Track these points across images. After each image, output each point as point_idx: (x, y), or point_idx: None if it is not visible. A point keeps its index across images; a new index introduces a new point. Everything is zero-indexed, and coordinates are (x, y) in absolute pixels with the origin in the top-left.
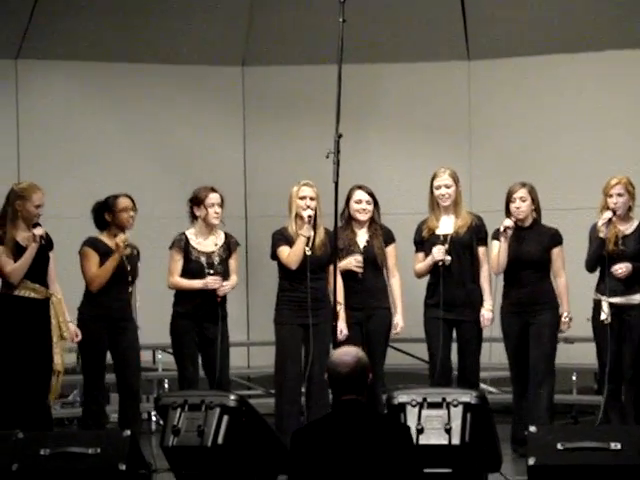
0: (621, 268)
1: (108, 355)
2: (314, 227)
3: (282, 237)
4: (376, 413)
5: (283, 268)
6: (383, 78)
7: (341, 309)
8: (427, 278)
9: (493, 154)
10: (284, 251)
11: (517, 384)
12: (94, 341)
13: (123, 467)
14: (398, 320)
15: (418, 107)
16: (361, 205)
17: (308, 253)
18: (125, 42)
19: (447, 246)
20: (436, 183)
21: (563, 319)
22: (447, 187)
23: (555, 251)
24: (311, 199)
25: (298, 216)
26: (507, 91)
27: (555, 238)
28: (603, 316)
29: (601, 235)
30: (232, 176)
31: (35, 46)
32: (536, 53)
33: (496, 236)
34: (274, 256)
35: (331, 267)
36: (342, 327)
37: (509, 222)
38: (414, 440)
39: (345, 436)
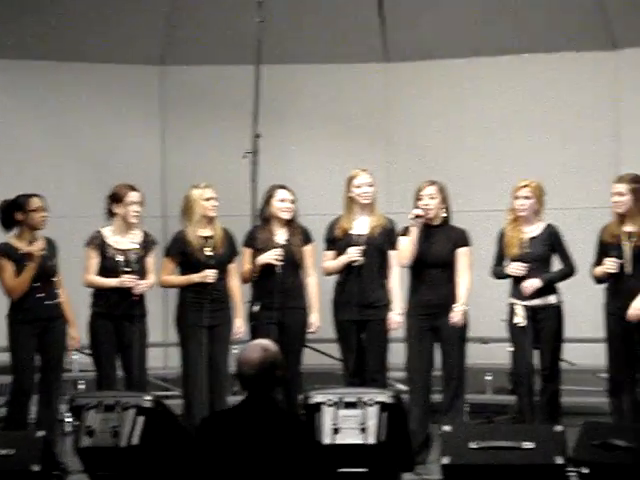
0: (527, 287)
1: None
2: (213, 227)
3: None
4: (281, 410)
5: (184, 268)
6: (302, 79)
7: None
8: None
9: (410, 156)
10: (168, 268)
11: (415, 383)
12: (23, 346)
13: (37, 468)
14: (314, 319)
15: (336, 108)
16: (285, 204)
17: (209, 253)
18: (43, 40)
19: (363, 247)
20: (357, 182)
21: (455, 310)
22: (369, 186)
23: (461, 251)
24: (215, 199)
25: (205, 217)
26: (424, 93)
27: (463, 239)
28: (517, 319)
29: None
30: (149, 175)
31: None
32: (453, 56)
33: (404, 232)
34: (168, 254)
35: (231, 266)
36: (240, 324)
37: (419, 210)
38: (330, 440)
39: (249, 431)
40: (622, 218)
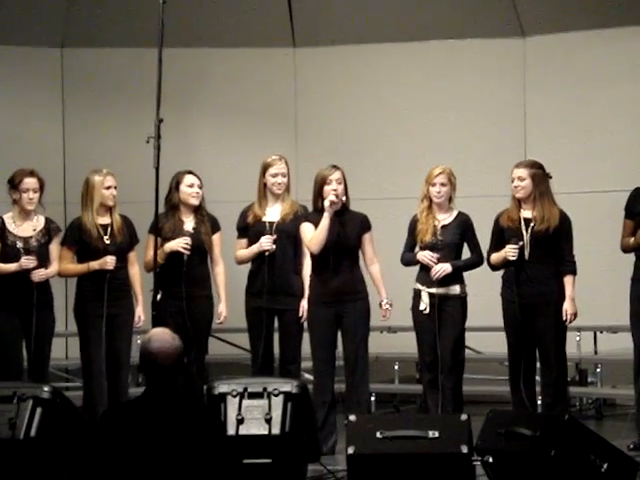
0: (438, 272)
1: None
2: (111, 214)
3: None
4: (186, 399)
5: (82, 257)
6: (208, 63)
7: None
8: (249, 266)
9: (319, 141)
10: (66, 257)
11: (320, 371)
12: None
13: None
14: (222, 309)
15: (244, 93)
16: (194, 189)
17: (108, 241)
18: None
19: (275, 236)
20: (272, 171)
21: (383, 306)
22: (284, 175)
23: (366, 237)
24: (115, 188)
25: (102, 205)
26: (332, 79)
27: (365, 224)
28: (422, 306)
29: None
30: (51, 161)
31: None
32: (361, 41)
33: (308, 219)
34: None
35: (131, 254)
36: (140, 313)
37: (333, 197)
38: (234, 430)
39: (154, 421)
40: (520, 203)
